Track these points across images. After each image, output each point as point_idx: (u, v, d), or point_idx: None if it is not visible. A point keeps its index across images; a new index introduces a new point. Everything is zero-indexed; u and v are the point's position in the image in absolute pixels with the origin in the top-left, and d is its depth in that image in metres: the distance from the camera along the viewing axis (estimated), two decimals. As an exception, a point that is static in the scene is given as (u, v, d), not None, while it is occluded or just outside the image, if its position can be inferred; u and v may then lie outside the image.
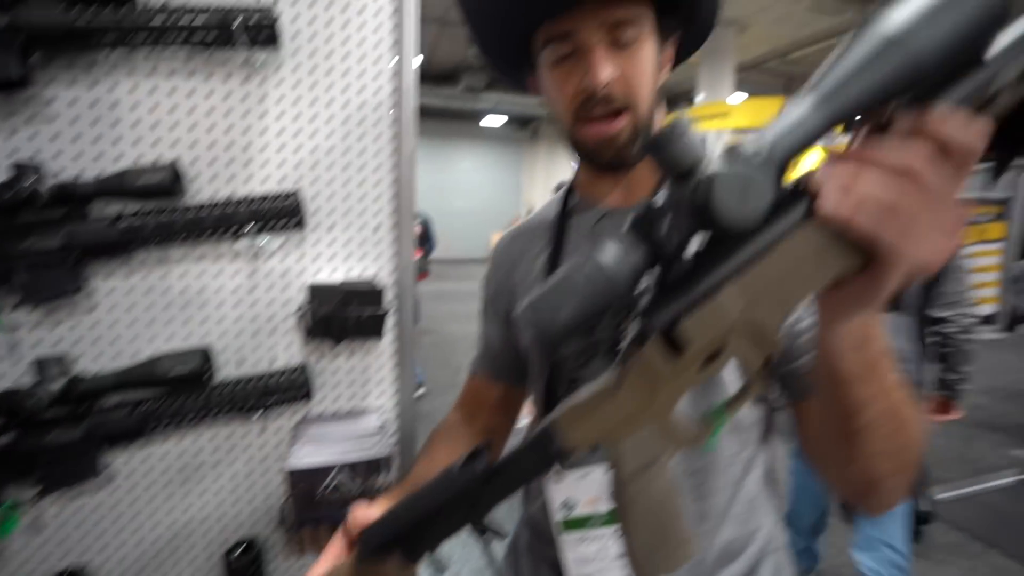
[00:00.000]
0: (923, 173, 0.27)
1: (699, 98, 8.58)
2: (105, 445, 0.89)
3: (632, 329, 0.35)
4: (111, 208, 0.87)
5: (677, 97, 11.10)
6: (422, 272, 3.83)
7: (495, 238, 0.90)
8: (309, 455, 0.88)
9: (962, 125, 0.27)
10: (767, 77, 10.19)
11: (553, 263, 0.68)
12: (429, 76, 10.63)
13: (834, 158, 0.30)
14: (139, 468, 0.94)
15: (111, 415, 0.88)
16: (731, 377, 0.58)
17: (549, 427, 0.36)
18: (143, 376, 0.89)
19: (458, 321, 6.58)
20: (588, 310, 0.31)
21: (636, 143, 0.60)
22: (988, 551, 2.37)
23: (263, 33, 0.87)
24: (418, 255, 3.82)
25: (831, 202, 0.28)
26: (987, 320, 7.47)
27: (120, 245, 0.86)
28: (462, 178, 15.06)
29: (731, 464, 0.62)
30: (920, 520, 2.35)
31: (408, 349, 1.07)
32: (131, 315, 0.91)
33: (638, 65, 0.58)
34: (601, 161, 0.63)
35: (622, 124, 0.58)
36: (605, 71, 0.56)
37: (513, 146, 15.03)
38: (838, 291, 0.33)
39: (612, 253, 0.31)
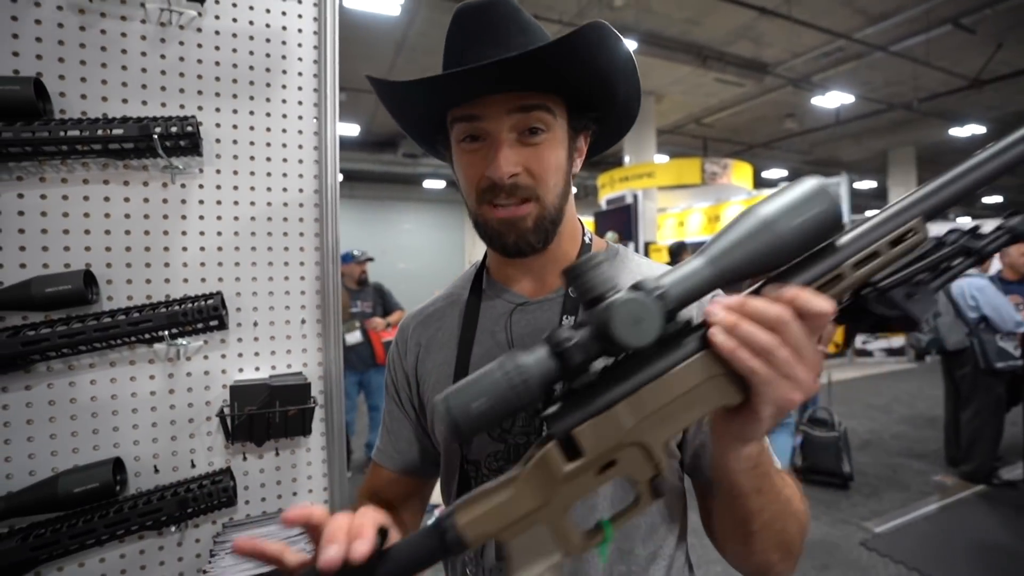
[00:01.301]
0: (789, 327, 0.35)
1: (626, 160, 9.24)
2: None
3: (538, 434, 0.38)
4: (13, 319, 0.83)
5: (606, 159, 11.86)
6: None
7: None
8: (231, 567, 0.83)
9: (811, 298, 0.36)
10: (686, 139, 11.16)
11: (465, 348, 0.67)
12: (369, 143, 10.82)
13: (721, 304, 0.37)
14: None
15: None
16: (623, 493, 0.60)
17: (448, 516, 0.37)
18: (40, 498, 0.82)
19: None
20: (500, 407, 0.34)
21: (540, 231, 0.61)
22: (923, 580, 2.48)
23: (184, 141, 0.89)
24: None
25: (720, 336, 0.36)
26: (898, 352, 8.09)
27: (20, 357, 0.82)
28: (404, 240, 15.06)
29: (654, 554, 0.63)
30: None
31: (340, 441, 1.05)
32: (28, 431, 0.85)
33: (545, 159, 0.59)
34: (505, 244, 0.62)
35: (527, 210, 0.59)
36: (509, 165, 0.56)
37: (455, 206, 15.31)
38: (724, 424, 0.41)
39: (529, 360, 0.35)
